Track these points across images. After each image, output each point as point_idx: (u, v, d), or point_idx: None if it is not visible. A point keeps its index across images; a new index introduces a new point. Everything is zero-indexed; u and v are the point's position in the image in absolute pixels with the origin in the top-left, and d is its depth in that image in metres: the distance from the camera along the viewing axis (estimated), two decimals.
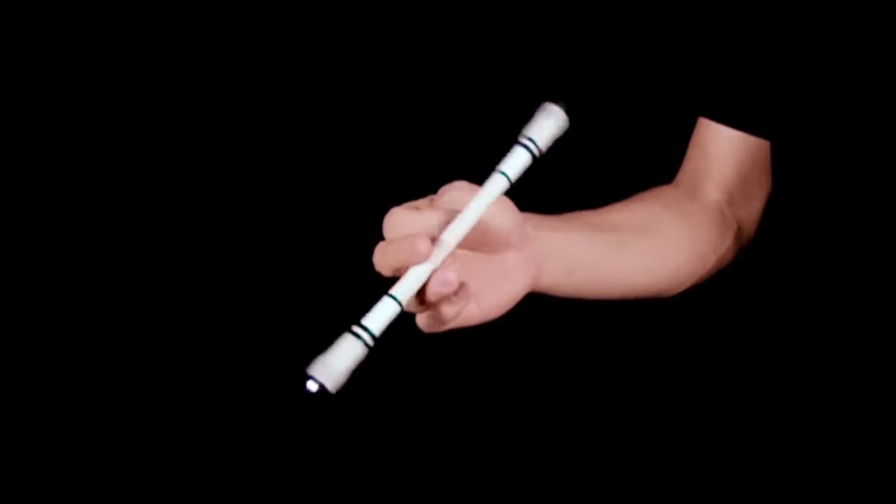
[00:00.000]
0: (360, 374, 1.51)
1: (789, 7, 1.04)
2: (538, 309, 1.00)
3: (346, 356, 0.85)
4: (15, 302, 1.55)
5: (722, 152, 1.10)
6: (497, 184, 0.90)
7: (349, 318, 1.52)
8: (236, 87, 1.54)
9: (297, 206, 1.54)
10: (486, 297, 0.93)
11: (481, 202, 0.89)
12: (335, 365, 0.85)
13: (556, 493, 1.50)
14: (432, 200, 0.90)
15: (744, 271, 1.13)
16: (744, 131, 1.09)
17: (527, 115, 1.42)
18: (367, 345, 0.86)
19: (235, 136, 1.55)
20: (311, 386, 0.85)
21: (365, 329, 0.86)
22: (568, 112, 0.93)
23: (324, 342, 1.54)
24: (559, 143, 1.33)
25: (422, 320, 0.90)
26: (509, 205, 0.92)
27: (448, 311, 0.88)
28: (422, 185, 0.96)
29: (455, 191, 0.90)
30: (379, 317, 0.86)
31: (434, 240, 0.87)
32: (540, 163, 0.92)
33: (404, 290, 0.87)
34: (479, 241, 0.91)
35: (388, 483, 1.54)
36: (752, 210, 1.12)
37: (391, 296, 0.87)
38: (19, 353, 1.55)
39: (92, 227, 1.55)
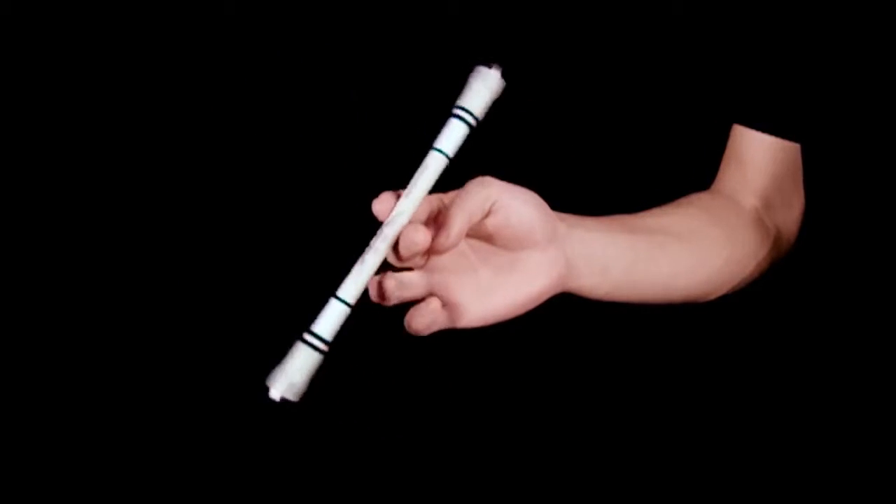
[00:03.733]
0: (362, 375, 1.52)
1: (819, 13, 1.05)
2: (546, 309, 0.99)
3: (302, 368, 0.87)
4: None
5: (757, 158, 1.11)
6: (435, 161, 0.89)
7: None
8: (236, 87, 1.53)
9: (299, 208, 1.54)
10: (497, 294, 0.93)
11: (423, 183, 0.89)
12: (293, 377, 0.86)
13: (560, 495, 1.51)
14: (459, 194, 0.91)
15: (782, 278, 1.14)
16: (778, 137, 1.10)
17: (533, 118, 1.42)
18: (321, 351, 0.87)
19: (235, 137, 1.54)
20: (274, 394, 0.86)
21: (316, 336, 0.87)
22: (504, 74, 0.92)
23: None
24: (598, 152, 1.34)
25: (414, 322, 0.91)
26: (534, 199, 0.92)
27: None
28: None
29: (478, 185, 0.90)
30: (328, 321, 0.88)
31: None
32: (563, 161, 0.91)
33: (350, 290, 0.88)
34: (500, 236, 0.91)
35: (389, 483, 1.55)
36: (791, 216, 1.13)
37: (338, 297, 0.88)
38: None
39: (89, 226, 1.54)
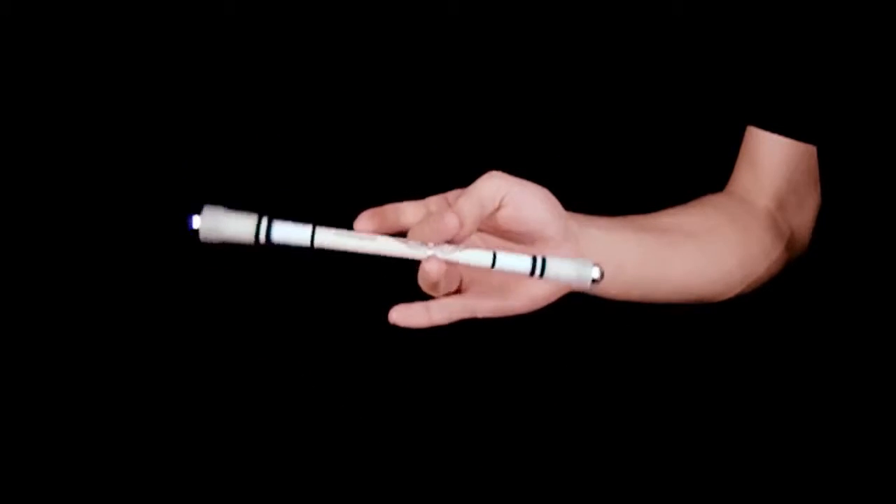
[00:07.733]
0: (363, 371, 1.52)
1: (833, 13, 1.05)
2: (556, 307, 1.00)
3: (236, 229, 0.87)
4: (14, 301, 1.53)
5: (771, 160, 1.11)
6: (483, 255, 0.90)
7: (348, 320, 1.52)
8: (236, 87, 1.53)
9: (300, 207, 1.54)
10: (519, 289, 0.93)
11: (466, 256, 0.90)
12: (223, 225, 0.87)
13: (559, 494, 1.51)
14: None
15: (797, 279, 1.14)
16: (792, 138, 1.10)
17: (547, 123, 1.42)
18: (256, 239, 0.87)
19: (236, 137, 1.54)
20: (195, 222, 0.87)
21: (269, 227, 0.88)
22: (595, 281, 0.91)
23: (323, 344, 1.54)
24: (612, 155, 1.34)
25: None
26: (544, 193, 0.93)
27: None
28: (422, 187, 0.97)
29: (489, 178, 0.91)
30: (288, 230, 0.88)
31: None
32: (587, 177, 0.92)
33: (330, 237, 0.88)
34: (513, 230, 0.92)
35: (389, 483, 1.54)
36: (805, 217, 1.14)
37: (315, 229, 0.88)
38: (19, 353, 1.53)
39: (90, 226, 1.54)
